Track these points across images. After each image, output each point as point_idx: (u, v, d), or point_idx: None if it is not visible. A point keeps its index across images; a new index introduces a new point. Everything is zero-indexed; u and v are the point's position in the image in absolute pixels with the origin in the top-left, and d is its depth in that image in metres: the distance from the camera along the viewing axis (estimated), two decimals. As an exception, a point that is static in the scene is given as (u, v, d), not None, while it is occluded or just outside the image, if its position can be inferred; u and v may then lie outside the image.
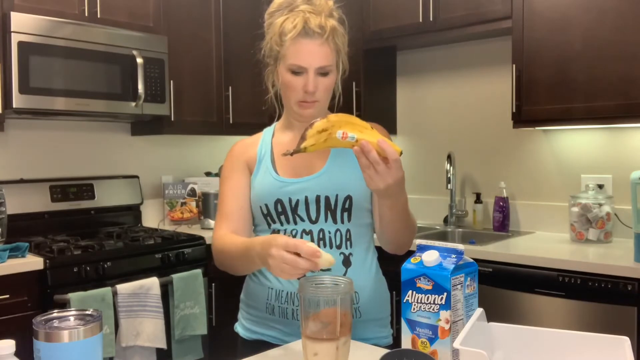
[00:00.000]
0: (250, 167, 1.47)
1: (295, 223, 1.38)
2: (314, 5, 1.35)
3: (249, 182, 1.46)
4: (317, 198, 1.37)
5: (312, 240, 1.38)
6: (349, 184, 1.38)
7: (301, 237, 1.38)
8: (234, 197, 1.45)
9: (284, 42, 1.33)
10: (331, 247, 1.37)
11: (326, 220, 1.38)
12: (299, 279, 1.36)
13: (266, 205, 1.40)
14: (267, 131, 1.53)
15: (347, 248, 1.38)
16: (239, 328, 1.51)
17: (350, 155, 1.41)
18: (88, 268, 2.42)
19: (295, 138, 1.45)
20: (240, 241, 1.32)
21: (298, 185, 1.39)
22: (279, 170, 1.42)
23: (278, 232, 1.40)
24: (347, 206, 1.37)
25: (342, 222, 1.38)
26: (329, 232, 1.38)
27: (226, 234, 1.41)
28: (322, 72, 1.35)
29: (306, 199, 1.37)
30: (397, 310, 2.70)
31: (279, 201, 1.38)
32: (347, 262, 1.38)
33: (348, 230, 1.39)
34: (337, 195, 1.37)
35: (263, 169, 1.43)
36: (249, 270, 1.38)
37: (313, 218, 1.38)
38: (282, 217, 1.39)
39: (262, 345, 1.39)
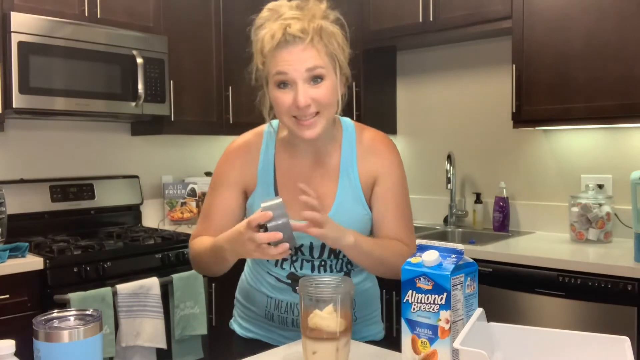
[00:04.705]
0: (247, 187, 1.37)
1: (296, 254, 1.35)
2: (303, 11, 1.21)
3: (241, 201, 1.37)
4: (323, 245, 1.32)
5: (313, 267, 1.35)
6: (355, 228, 1.28)
7: (301, 265, 1.35)
8: (220, 214, 1.36)
9: (266, 57, 1.20)
10: (331, 271, 1.36)
11: (329, 257, 1.35)
12: (297, 279, 1.36)
13: None
14: (270, 139, 1.38)
15: (347, 269, 1.38)
16: (234, 325, 1.50)
17: (356, 193, 1.34)
18: (88, 268, 2.42)
19: (299, 154, 1.35)
20: (208, 244, 1.27)
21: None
22: None
23: None
24: None
25: (344, 257, 1.36)
26: (331, 262, 1.36)
27: (201, 237, 1.35)
28: (313, 77, 1.19)
29: (311, 244, 1.32)
30: (397, 310, 2.70)
31: None
32: (347, 275, 1.38)
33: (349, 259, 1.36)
34: None
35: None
36: (221, 270, 1.31)
37: (316, 257, 1.35)
38: None
39: (259, 344, 1.39)
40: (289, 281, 1.36)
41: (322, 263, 1.35)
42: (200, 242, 1.33)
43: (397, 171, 1.37)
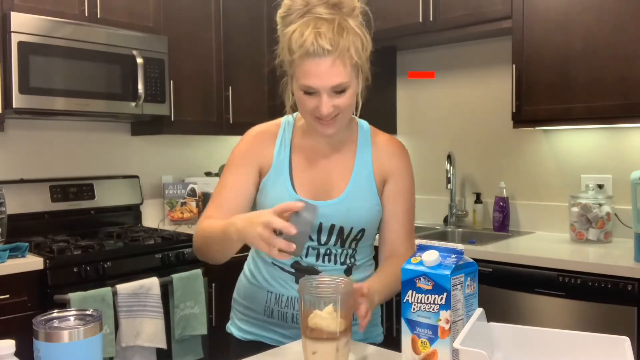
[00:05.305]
0: (262, 168, 1.39)
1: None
2: (334, 9, 1.24)
3: (256, 180, 1.39)
4: (332, 227, 1.34)
5: (318, 255, 1.36)
6: (366, 217, 1.35)
7: (306, 253, 1.36)
8: (234, 190, 1.37)
9: (294, 60, 1.23)
10: (335, 263, 1.37)
11: (335, 244, 1.36)
12: (301, 269, 1.36)
13: None
14: (287, 126, 1.42)
15: (350, 262, 1.39)
16: (232, 328, 1.48)
17: (369, 181, 1.37)
18: (88, 268, 2.42)
19: (316, 138, 1.38)
20: (221, 222, 1.26)
21: None
22: (297, 185, 1.36)
23: None
24: (358, 237, 1.37)
25: (350, 247, 1.38)
26: (336, 252, 1.37)
27: (210, 218, 1.35)
28: (337, 91, 1.24)
29: (320, 225, 1.33)
30: (397, 311, 2.70)
31: None
32: (348, 272, 1.39)
33: (354, 250, 1.39)
34: (352, 228, 1.35)
35: (281, 180, 1.36)
36: (223, 253, 1.30)
37: (323, 241, 1.35)
38: None
39: (259, 346, 1.38)
40: (293, 270, 1.36)
41: (327, 252, 1.36)
42: (209, 222, 1.31)
43: (409, 175, 1.43)
